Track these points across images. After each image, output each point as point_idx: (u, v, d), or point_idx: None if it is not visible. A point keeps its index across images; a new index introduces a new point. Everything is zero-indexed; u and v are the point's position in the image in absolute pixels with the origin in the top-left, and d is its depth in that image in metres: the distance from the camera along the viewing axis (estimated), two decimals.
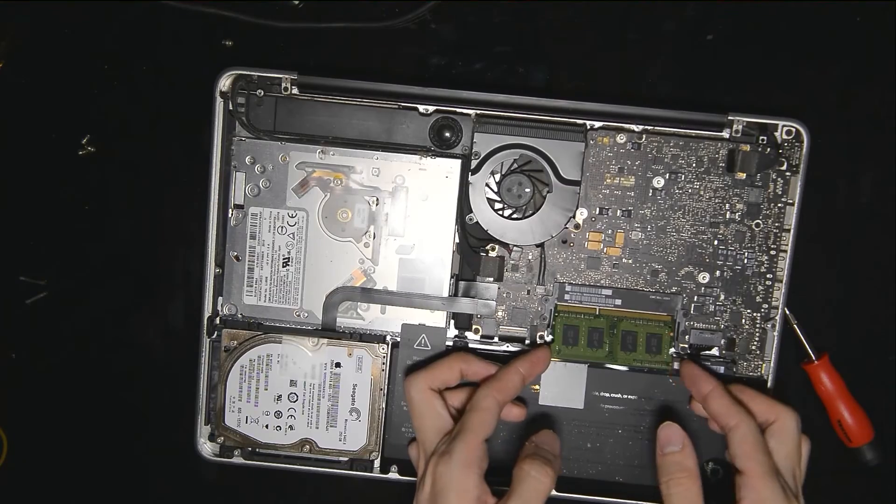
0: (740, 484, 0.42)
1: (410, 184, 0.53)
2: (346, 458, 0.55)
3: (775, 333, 0.54)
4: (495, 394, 0.46)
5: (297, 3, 0.59)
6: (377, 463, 0.55)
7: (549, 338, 0.53)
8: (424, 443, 0.46)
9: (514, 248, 0.55)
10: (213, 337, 0.55)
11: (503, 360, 0.54)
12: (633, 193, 0.54)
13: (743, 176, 0.53)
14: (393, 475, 0.55)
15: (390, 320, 0.54)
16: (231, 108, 0.53)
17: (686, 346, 0.54)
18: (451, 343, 0.55)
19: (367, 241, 0.54)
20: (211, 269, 0.55)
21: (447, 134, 0.53)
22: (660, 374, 0.53)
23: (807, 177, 0.52)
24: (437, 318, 0.54)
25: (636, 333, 0.49)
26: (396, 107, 0.53)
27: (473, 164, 0.53)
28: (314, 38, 0.59)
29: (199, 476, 0.63)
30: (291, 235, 0.54)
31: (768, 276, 0.54)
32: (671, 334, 0.48)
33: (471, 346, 0.55)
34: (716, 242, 0.54)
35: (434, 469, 0.44)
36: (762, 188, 0.53)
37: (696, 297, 0.54)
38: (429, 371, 0.48)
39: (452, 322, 0.55)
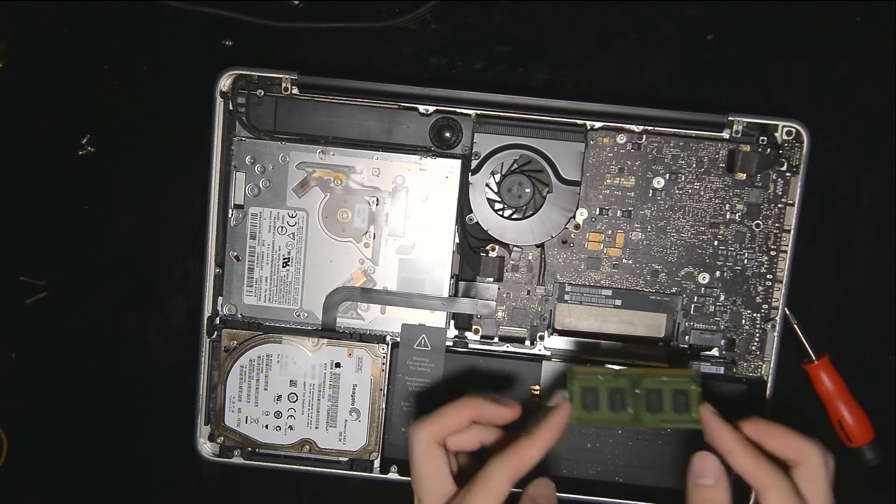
0: None
1: (410, 184, 0.53)
2: (345, 458, 0.55)
3: (775, 334, 0.54)
4: (510, 472, 0.40)
5: (297, 3, 0.59)
6: (377, 463, 0.55)
7: (565, 394, 0.45)
8: (421, 501, 0.43)
9: (514, 249, 0.55)
10: (213, 337, 0.55)
11: (503, 361, 0.54)
12: (633, 194, 0.54)
13: (743, 176, 0.53)
14: (393, 475, 0.55)
15: (390, 320, 0.54)
16: (231, 108, 0.53)
17: (686, 346, 0.54)
18: (450, 343, 0.55)
19: (367, 241, 0.54)
20: (211, 269, 0.55)
21: (447, 134, 0.53)
22: None
23: (807, 177, 0.52)
24: (437, 319, 0.54)
25: (661, 391, 0.44)
26: (396, 107, 0.53)
27: (473, 164, 0.53)
28: (314, 38, 0.59)
29: (199, 476, 0.63)
30: (291, 235, 0.54)
31: (768, 276, 0.54)
32: (699, 389, 0.43)
33: (471, 346, 0.55)
34: (716, 243, 0.54)
35: None
36: (762, 188, 0.53)
37: (696, 298, 0.54)
38: (434, 420, 0.42)
39: (452, 322, 0.55)
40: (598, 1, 0.58)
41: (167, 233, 0.61)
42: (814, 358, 0.58)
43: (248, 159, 0.53)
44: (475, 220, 0.54)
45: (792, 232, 0.53)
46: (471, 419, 0.43)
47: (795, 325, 0.57)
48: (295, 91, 0.53)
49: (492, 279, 0.55)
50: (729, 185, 0.53)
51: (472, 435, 0.43)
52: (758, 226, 0.53)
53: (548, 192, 0.53)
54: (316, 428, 0.55)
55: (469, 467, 0.44)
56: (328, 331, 0.55)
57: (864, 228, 0.59)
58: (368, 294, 0.54)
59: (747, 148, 0.52)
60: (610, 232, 0.54)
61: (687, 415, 0.43)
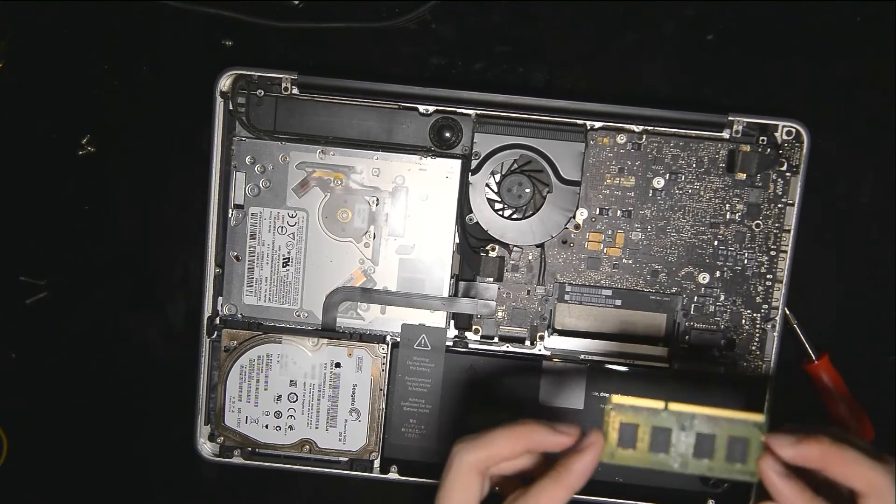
0: None
1: (410, 184, 0.53)
2: (345, 458, 0.55)
3: (775, 334, 0.54)
4: None
5: (297, 3, 0.59)
6: (377, 463, 0.55)
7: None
8: None
9: (514, 249, 0.55)
10: (213, 337, 0.55)
11: (503, 361, 0.54)
12: (633, 194, 0.54)
13: (743, 176, 0.53)
14: (393, 475, 0.55)
15: (390, 320, 0.54)
16: (231, 108, 0.53)
17: (686, 346, 0.54)
18: (450, 343, 0.55)
19: (367, 241, 0.54)
20: (211, 269, 0.55)
21: (447, 134, 0.53)
22: (659, 372, 0.53)
23: (807, 177, 0.52)
24: (437, 319, 0.54)
25: (714, 437, 0.37)
26: (396, 107, 0.53)
27: (473, 164, 0.53)
28: (314, 38, 0.59)
29: (199, 476, 0.63)
30: (291, 235, 0.54)
31: (768, 276, 0.54)
32: (764, 438, 0.36)
33: (471, 346, 0.55)
34: (716, 243, 0.54)
35: None
36: (762, 188, 0.53)
37: (696, 298, 0.54)
38: (484, 447, 0.37)
39: (452, 322, 0.55)
40: (598, 1, 0.58)
41: (167, 233, 0.61)
42: (814, 358, 0.58)
43: (248, 159, 0.53)
44: (475, 220, 0.54)
45: (792, 232, 0.53)
46: (525, 449, 0.37)
47: (795, 325, 0.57)
48: (295, 91, 0.53)
49: (492, 279, 0.55)
50: (729, 185, 0.53)
51: (518, 463, 0.39)
52: (758, 226, 0.53)
53: (548, 192, 0.53)
54: (316, 428, 0.55)
55: (501, 483, 0.40)
56: (328, 331, 0.55)
57: (864, 228, 0.59)
58: (368, 294, 0.54)
59: (747, 148, 0.52)
60: (610, 232, 0.54)
61: (743, 466, 0.37)
